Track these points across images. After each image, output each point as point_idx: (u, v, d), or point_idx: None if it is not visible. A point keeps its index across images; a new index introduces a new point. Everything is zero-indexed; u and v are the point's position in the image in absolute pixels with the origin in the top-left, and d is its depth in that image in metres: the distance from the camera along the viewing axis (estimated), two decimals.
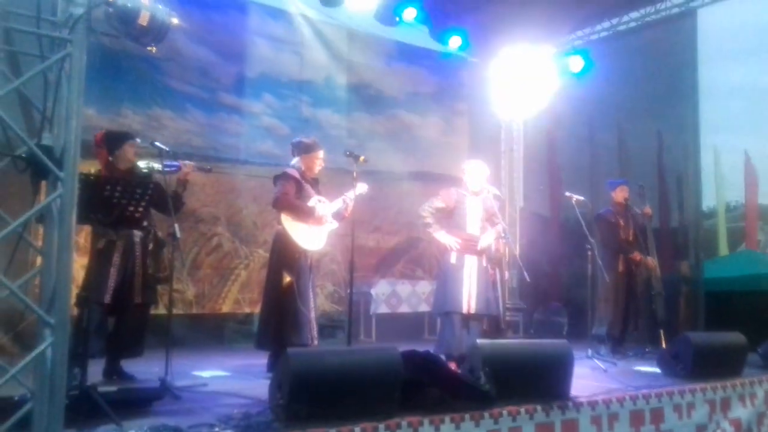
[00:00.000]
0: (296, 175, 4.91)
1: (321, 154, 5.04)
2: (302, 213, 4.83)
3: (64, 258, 2.49)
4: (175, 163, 4.54)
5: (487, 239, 5.37)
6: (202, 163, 4.77)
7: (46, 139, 2.53)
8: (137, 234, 4.36)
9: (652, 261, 6.53)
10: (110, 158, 4.43)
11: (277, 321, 4.76)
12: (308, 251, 4.91)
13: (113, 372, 4.35)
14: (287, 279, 4.75)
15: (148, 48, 2.92)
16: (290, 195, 4.82)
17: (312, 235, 4.90)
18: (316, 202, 4.91)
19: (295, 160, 5.02)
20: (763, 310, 7.22)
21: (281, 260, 4.82)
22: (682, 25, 7.74)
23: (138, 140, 4.63)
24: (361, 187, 5.04)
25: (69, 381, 2.75)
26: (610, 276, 6.18)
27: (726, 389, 4.76)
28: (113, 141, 4.49)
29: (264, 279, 5.14)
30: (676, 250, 7.74)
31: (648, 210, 6.64)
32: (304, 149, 5.01)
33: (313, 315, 4.89)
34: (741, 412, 4.83)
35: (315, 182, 5.08)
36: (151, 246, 4.42)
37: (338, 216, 5.02)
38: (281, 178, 4.90)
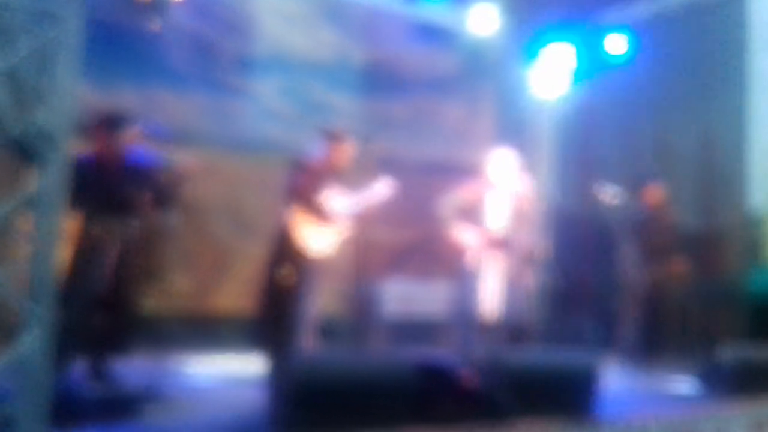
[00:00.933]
0: (316, 166, 4.89)
1: (347, 147, 5.00)
2: (313, 211, 4.82)
3: (50, 246, 2.53)
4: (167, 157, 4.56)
5: (520, 237, 5.36)
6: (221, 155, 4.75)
7: (38, 120, 2.56)
8: (126, 225, 4.34)
9: (683, 265, 6.51)
10: (107, 141, 4.42)
11: (276, 321, 4.78)
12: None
13: (101, 371, 4.37)
14: (287, 275, 4.77)
15: (149, 23, 2.95)
16: (303, 190, 4.81)
17: (320, 235, 4.89)
18: (331, 201, 4.90)
19: (317, 148, 4.99)
20: None
21: (284, 256, 4.82)
22: (732, 8, 7.67)
23: (139, 126, 4.61)
24: (380, 185, 5.03)
25: (55, 379, 2.80)
26: (643, 283, 6.17)
27: None
28: (112, 122, 4.50)
29: (262, 275, 5.14)
30: (718, 255, 7.70)
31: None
32: (328, 138, 4.99)
33: (313, 316, 4.91)
34: None
35: (336, 176, 5.04)
36: (139, 239, 4.39)
37: (351, 218, 5.02)
38: (297, 168, 4.88)
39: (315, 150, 5.02)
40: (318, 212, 4.85)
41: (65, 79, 2.57)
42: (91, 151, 4.49)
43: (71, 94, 2.57)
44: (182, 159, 4.58)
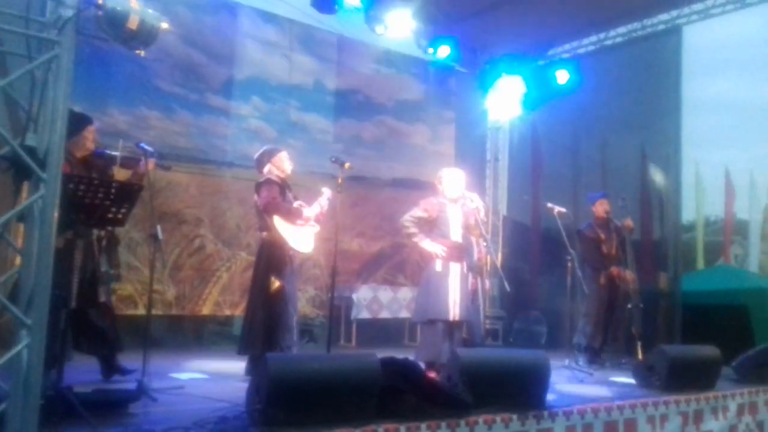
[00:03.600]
0: (278, 180, 4.99)
1: (285, 154, 5.14)
2: (292, 215, 4.92)
3: (43, 258, 2.49)
4: (135, 157, 4.41)
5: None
6: (205, 171, 4.69)
7: (31, 140, 2.52)
8: (95, 232, 4.21)
9: (630, 274, 6.60)
10: (68, 144, 4.26)
11: (265, 326, 4.77)
12: (294, 256, 4.99)
13: (111, 370, 4.32)
14: (276, 284, 4.79)
15: (137, 51, 2.92)
16: (278, 199, 4.88)
17: (302, 237, 4.99)
18: (299, 205, 5.03)
19: (266, 169, 5.07)
20: (738, 325, 7.34)
21: (270, 265, 4.86)
22: (667, 41, 7.86)
23: (96, 125, 4.42)
24: (326, 192, 5.21)
25: (44, 382, 2.74)
26: (590, 288, 6.28)
27: (699, 402, 4.82)
28: (71, 124, 4.34)
29: (248, 283, 5.14)
30: (655, 262, 7.83)
31: (629, 223, 6.70)
32: (269, 154, 5.10)
33: (295, 319, 4.95)
34: (713, 424, 4.89)
35: (289, 186, 5.15)
36: (104, 243, 4.28)
37: (317, 219, 5.12)
38: (265, 184, 4.94)
39: (265, 170, 5.09)
40: (295, 218, 4.93)
41: (57, 101, 2.52)
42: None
43: (62, 116, 2.53)
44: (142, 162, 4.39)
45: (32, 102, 2.58)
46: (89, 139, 4.29)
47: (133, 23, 2.70)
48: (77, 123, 4.20)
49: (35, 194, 2.49)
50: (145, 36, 2.79)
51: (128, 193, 3.58)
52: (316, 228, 5.11)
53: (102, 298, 4.28)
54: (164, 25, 2.90)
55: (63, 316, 3.58)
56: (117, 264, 4.38)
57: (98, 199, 3.47)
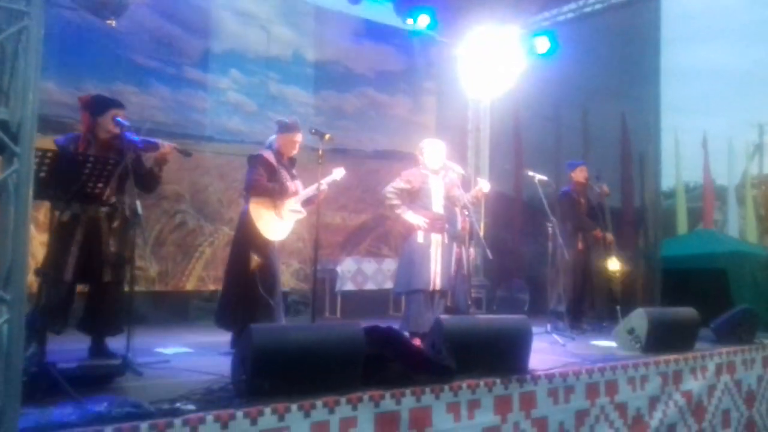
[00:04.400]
0: (270, 158, 4.85)
1: (298, 137, 4.95)
2: (276, 194, 4.80)
3: (20, 234, 2.45)
4: (152, 140, 4.37)
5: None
6: (185, 147, 4.60)
7: (2, 113, 2.47)
8: (103, 210, 4.18)
9: (610, 237, 6.74)
10: (92, 124, 4.19)
11: (242, 302, 4.75)
12: None
13: (98, 351, 4.27)
14: (256, 260, 4.74)
15: (108, 21, 2.86)
16: (262, 180, 4.77)
17: (277, 225, 4.86)
18: (289, 186, 4.88)
19: (272, 138, 4.96)
20: (717, 287, 7.47)
21: (249, 240, 4.77)
22: (646, 7, 7.84)
23: (124, 109, 4.34)
24: (338, 173, 5.07)
25: (28, 358, 2.73)
26: (569, 253, 6.33)
27: (678, 362, 4.92)
28: (97, 106, 4.24)
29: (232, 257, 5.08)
30: (636, 228, 7.92)
31: (605, 188, 6.80)
32: (283, 128, 4.95)
33: (280, 297, 4.90)
34: (692, 384, 5.00)
35: (291, 163, 5.03)
36: (116, 224, 4.23)
37: (308, 202, 5.00)
38: (254, 161, 4.83)
39: (270, 138, 4.98)
40: (277, 197, 4.82)
41: (28, 74, 2.47)
42: (74, 133, 4.30)
43: (34, 89, 2.47)
44: (161, 144, 4.35)
45: (2, 75, 2.53)
46: (110, 123, 4.20)
47: None
48: (101, 105, 4.24)
49: (9, 169, 2.45)
50: (115, 5, 2.73)
51: (102, 168, 3.53)
52: (301, 214, 4.97)
53: (106, 278, 4.21)
54: None
55: (44, 292, 3.57)
56: (131, 247, 4.21)
57: (94, 176, 3.44)
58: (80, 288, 4.33)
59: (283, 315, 4.95)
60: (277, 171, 4.85)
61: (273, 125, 5.10)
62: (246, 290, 4.75)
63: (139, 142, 4.27)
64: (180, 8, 6.94)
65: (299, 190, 4.98)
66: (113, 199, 4.22)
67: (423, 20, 8.19)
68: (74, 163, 3.41)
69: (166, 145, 4.37)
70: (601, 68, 7.98)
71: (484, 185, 5.64)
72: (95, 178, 3.53)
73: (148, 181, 4.33)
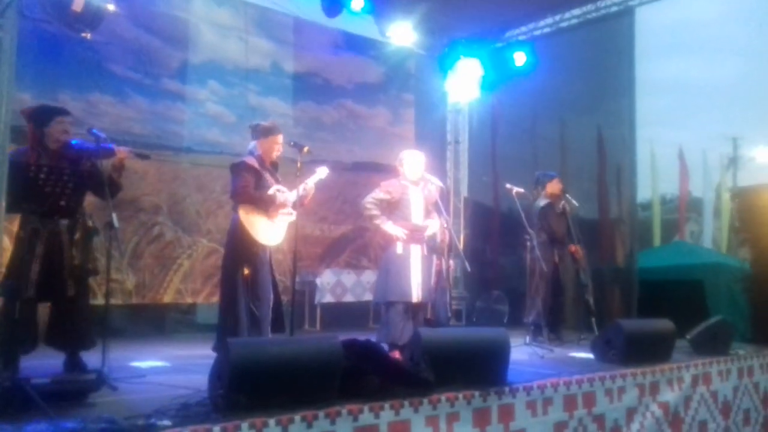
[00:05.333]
0: (254, 164, 4.79)
1: (280, 138, 4.93)
2: (263, 203, 4.74)
3: None
4: (107, 145, 4.23)
5: (433, 227, 5.45)
6: (141, 150, 4.54)
7: None
8: (63, 223, 4.07)
9: (580, 251, 6.80)
10: (38, 136, 4.07)
11: (235, 315, 4.70)
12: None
13: (73, 365, 4.20)
14: (246, 272, 4.70)
15: (83, 34, 2.85)
16: (249, 187, 4.71)
17: (270, 229, 4.81)
18: (275, 191, 4.81)
19: (252, 145, 4.90)
20: (692, 299, 7.55)
21: (239, 250, 4.73)
22: (620, 22, 7.98)
23: (70, 116, 4.27)
24: (322, 171, 5.03)
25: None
26: (548, 266, 6.38)
27: (655, 374, 4.95)
28: (41, 116, 4.12)
29: (210, 270, 5.04)
30: (612, 240, 8.01)
31: (573, 202, 6.90)
32: (262, 132, 4.89)
33: (268, 308, 4.83)
34: (669, 395, 5.03)
35: (274, 168, 4.99)
36: (77, 235, 4.15)
37: (297, 204, 4.90)
38: (238, 168, 4.77)
39: (250, 145, 4.95)
40: (267, 206, 4.77)
41: (1, 87, 2.45)
42: (23, 147, 4.15)
43: (7, 101, 2.46)
44: (117, 150, 4.28)
45: None
46: (59, 131, 4.13)
47: (77, 5, 2.65)
48: (46, 114, 4.14)
49: None
50: (90, 18, 2.73)
51: (58, 177, 3.46)
52: (292, 216, 4.88)
53: (70, 292, 4.13)
54: (111, 7, 2.84)
55: (17, 307, 3.51)
56: (93, 257, 4.21)
57: (48, 186, 3.39)
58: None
59: (269, 327, 4.83)
60: (262, 176, 4.81)
61: (248, 131, 5.05)
62: (239, 301, 4.71)
63: (93, 149, 4.17)
64: (158, 19, 6.90)
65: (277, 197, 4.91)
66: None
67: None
68: (27, 174, 3.31)
69: (121, 150, 4.30)
70: (577, 81, 8.11)
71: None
72: (59, 189, 3.45)
73: (109, 188, 4.17)
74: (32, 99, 5.87)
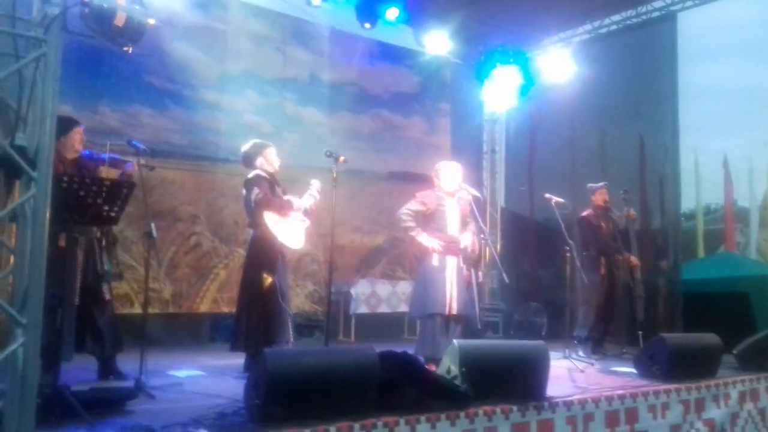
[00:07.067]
0: (266, 176, 5.01)
1: (274, 149, 5.14)
2: (284, 209, 4.94)
3: (36, 258, 2.49)
4: (119, 157, 4.46)
5: (467, 239, 5.41)
6: (149, 161, 4.64)
7: (20, 139, 2.53)
8: (96, 231, 4.27)
9: (635, 260, 6.67)
10: (58, 146, 4.26)
11: (258, 323, 4.79)
12: (285, 252, 5.00)
13: (107, 372, 4.32)
14: (269, 280, 4.80)
15: (124, 48, 2.92)
16: (270, 194, 4.90)
17: (294, 233, 4.99)
18: (288, 199, 5.05)
19: (258, 162, 5.07)
20: (739, 312, 7.35)
21: (261, 262, 4.87)
22: (662, 28, 7.85)
23: (83, 126, 4.46)
24: (315, 184, 5.22)
25: (41, 381, 2.75)
26: (590, 278, 6.28)
27: (700, 390, 4.83)
28: (60, 126, 4.33)
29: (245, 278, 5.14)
30: (656, 251, 7.85)
31: (632, 213, 6.75)
32: (260, 147, 5.09)
33: (289, 315, 4.99)
34: (715, 412, 4.90)
35: (277, 181, 5.15)
36: (105, 242, 4.33)
37: (308, 213, 5.12)
38: (253, 181, 4.95)
39: (256, 164, 5.08)
40: (287, 211, 4.97)
41: (46, 100, 2.53)
42: None
43: (51, 115, 2.53)
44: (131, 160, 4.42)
45: (21, 101, 2.59)
46: (77, 141, 4.33)
47: (120, 20, 2.70)
48: (64, 125, 4.22)
49: (27, 194, 2.50)
50: (132, 32, 2.79)
51: (119, 191, 3.58)
52: (306, 223, 5.10)
53: (107, 297, 4.33)
54: (151, 21, 2.90)
55: (60, 315, 3.59)
56: (117, 263, 4.45)
57: (90, 197, 3.48)
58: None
59: (292, 335, 5.01)
60: (273, 186, 5.02)
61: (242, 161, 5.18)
62: (260, 312, 4.79)
63: (107, 160, 4.35)
64: (196, 31, 7.05)
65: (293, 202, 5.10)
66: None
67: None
68: (60, 184, 3.37)
69: (134, 164, 4.41)
70: (617, 89, 7.98)
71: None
72: (111, 201, 3.56)
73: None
74: (72, 111, 6.04)
